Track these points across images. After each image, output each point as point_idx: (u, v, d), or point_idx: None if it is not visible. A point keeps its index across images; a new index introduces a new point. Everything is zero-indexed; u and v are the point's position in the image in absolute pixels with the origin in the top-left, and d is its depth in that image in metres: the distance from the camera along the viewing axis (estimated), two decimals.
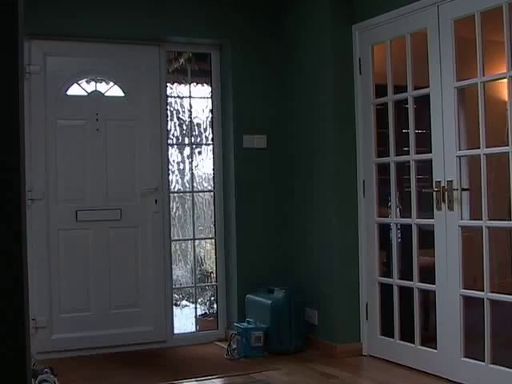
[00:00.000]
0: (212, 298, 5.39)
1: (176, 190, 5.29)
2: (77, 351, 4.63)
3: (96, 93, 4.92)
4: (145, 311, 4.94)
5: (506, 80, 3.55)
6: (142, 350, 4.80)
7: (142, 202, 4.96)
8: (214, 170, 5.29)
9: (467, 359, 3.79)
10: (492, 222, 3.68)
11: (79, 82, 4.87)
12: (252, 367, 4.36)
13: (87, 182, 4.84)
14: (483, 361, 3.66)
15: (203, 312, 5.42)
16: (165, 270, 5.01)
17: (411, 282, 4.23)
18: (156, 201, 4.98)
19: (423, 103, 4.17)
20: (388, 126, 4.42)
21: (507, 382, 3.51)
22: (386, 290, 4.49)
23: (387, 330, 4.46)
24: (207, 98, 5.32)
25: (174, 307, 5.19)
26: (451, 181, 3.88)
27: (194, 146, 5.31)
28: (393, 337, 4.39)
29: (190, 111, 5.28)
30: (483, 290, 3.66)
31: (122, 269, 4.90)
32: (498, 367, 3.59)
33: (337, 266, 4.62)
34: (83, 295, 4.79)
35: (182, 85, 5.31)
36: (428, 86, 4.06)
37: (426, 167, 4.21)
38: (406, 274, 4.32)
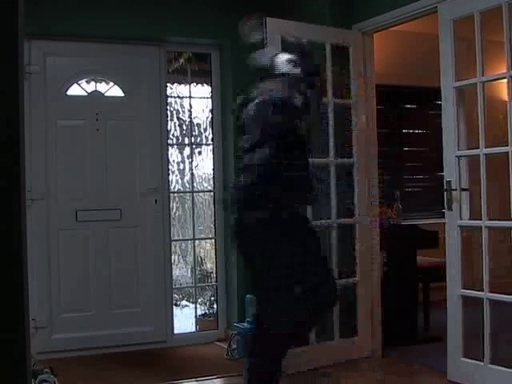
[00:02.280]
0: (212, 298, 5.39)
1: (176, 190, 5.29)
2: (77, 351, 4.63)
3: (96, 93, 4.92)
4: (145, 311, 4.94)
5: (505, 80, 3.55)
6: (142, 350, 4.80)
7: (142, 202, 4.95)
8: (213, 169, 5.28)
9: (466, 359, 3.79)
10: (492, 222, 3.68)
11: (79, 82, 4.87)
12: None
13: (87, 182, 4.84)
14: (482, 361, 3.66)
15: (203, 312, 5.42)
16: (165, 270, 5.01)
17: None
18: (156, 201, 4.97)
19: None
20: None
21: (506, 382, 3.51)
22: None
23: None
24: (207, 98, 5.31)
25: (174, 307, 5.19)
26: (449, 181, 3.88)
27: (193, 146, 5.31)
28: None
29: (189, 111, 5.28)
30: None
31: (122, 269, 4.89)
32: (497, 367, 3.59)
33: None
34: (83, 295, 4.79)
35: (182, 85, 5.31)
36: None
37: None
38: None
